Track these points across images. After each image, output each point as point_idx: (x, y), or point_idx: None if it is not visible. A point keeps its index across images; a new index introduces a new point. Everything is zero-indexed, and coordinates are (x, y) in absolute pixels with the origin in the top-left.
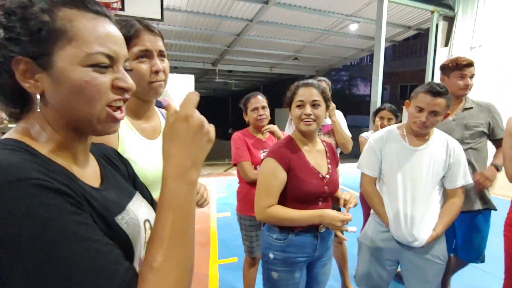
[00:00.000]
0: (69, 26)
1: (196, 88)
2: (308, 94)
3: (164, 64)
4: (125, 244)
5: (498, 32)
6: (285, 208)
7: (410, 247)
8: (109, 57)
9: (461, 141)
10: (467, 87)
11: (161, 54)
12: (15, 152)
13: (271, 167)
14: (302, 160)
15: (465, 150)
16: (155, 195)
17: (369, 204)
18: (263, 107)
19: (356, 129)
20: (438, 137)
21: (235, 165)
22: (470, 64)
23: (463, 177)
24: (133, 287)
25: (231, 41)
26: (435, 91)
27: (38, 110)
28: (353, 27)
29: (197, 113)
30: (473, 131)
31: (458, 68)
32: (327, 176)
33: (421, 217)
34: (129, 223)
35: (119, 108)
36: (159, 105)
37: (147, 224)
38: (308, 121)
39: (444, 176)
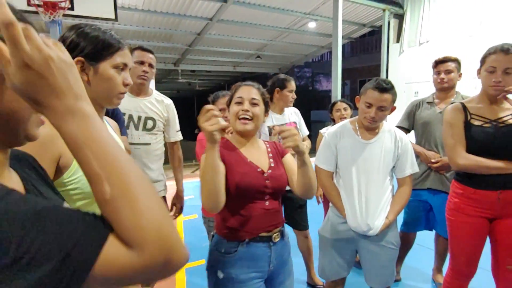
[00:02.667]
0: None
1: (158, 89)
2: (248, 92)
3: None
4: None
5: (443, 28)
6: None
7: (366, 236)
8: None
9: None
10: (442, 81)
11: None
12: None
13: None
14: (238, 156)
15: None
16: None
17: (327, 197)
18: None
19: (320, 123)
20: (387, 130)
21: None
22: (443, 61)
23: (411, 167)
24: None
25: (192, 40)
26: (381, 87)
27: None
28: (312, 25)
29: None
30: None
31: (434, 65)
32: (269, 171)
33: (375, 207)
34: None
35: None
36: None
37: None
38: (245, 120)
39: (394, 167)
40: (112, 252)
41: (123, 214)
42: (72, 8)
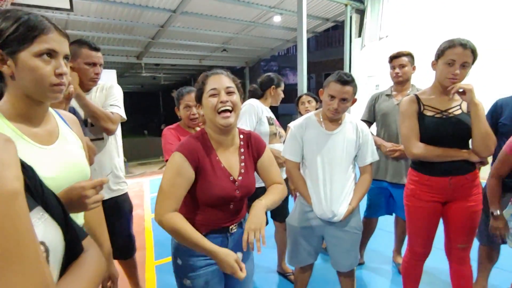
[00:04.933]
0: None
1: (121, 84)
2: (220, 82)
3: (67, 69)
4: None
5: (401, 24)
6: (185, 222)
7: (331, 222)
8: None
9: None
10: (397, 75)
11: (66, 57)
12: None
13: (178, 163)
14: (213, 159)
15: None
16: None
17: (294, 187)
18: (196, 105)
19: (287, 116)
20: (349, 121)
21: (167, 161)
22: (397, 56)
23: (371, 156)
24: None
25: (155, 33)
26: (343, 80)
27: None
28: (277, 19)
29: None
30: None
31: (390, 60)
32: (239, 178)
33: (339, 194)
34: None
35: None
36: (73, 111)
37: (42, 247)
38: (226, 113)
39: (356, 156)
40: None
41: None
42: None
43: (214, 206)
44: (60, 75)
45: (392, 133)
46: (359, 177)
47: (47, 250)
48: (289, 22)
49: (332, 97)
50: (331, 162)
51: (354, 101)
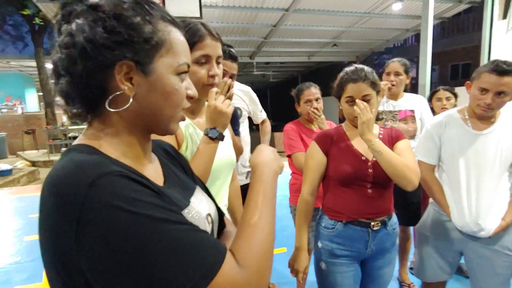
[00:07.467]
0: (168, 37)
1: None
2: (357, 90)
3: (219, 69)
4: None
5: None
6: (307, 211)
7: (476, 238)
8: (188, 66)
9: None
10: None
11: (218, 60)
12: (91, 154)
13: (311, 149)
14: (344, 143)
15: None
16: (217, 183)
17: (428, 193)
18: (317, 99)
19: None
20: (507, 119)
21: (288, 156)
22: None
23: None
24: (225, 249)
25: (268, 32)
26: (501, 70)
27: (122, 108)
28: (397, 7)
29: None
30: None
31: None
32: (373, 159)
33: (488, 206)
34: (195, 217)
35: None
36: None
37: (209, 218)
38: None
39: None
40: (227, 267)
41: (253, 239)
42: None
43: (347, 185)
44: (212, 76)
45: None
46: None
47: (212, 222)
48: (411, 9)
49: (485, 90)
50: (479, 167)
51: None
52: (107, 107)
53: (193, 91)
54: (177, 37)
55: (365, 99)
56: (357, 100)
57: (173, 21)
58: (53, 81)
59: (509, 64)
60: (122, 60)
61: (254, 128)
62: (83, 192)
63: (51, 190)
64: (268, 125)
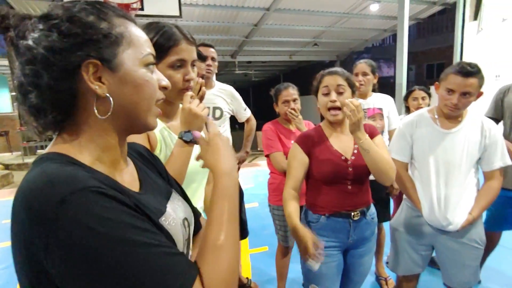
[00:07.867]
0: (126, 31)
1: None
2: (333, 80)
3: (194, 73)
4: None
5: None
6: (293, 199)
7: (445, 231)
8: (154, 57)
9: None
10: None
11: (193, 64)
12: (64, 165)
13: (293, 150)
14: (324, 144)
15: None
16: (193, 186)
17: (401, 189)
18: (294, 100)
19: None
20: (472, 118)
21: (267, 156)
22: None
23: (501, 159)
24: (195, 274)
25: (249, 31)
26: (466, 71)
27: (96, 112)
28: (374, 8)
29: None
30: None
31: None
32: (352, 157)
33: (456, 200)
34: (171, 223)
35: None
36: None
37: (186, 222)
38: (334, 111)
39: (480, 158)
40: None
41: (220, 263)
42: (142, 9)
43: (327, 183)
44: (188, 80)
45: None
46: (483, 184)
47: (189, 225)
48: (387, 10)
49: (451, 91)
50: (447, 164)
51: (480, 95)
52: (97, 114)
53: (166, 82)
54: (135, 30)
55: (339, 90)
56: (346, 101)
57: (126, 16)
58: (19, 101)
59: (473, 66)
60: (86, 60)
61: (237, 127)
62: (54, 209)
63: (23, 204)
64: (252, 124)
